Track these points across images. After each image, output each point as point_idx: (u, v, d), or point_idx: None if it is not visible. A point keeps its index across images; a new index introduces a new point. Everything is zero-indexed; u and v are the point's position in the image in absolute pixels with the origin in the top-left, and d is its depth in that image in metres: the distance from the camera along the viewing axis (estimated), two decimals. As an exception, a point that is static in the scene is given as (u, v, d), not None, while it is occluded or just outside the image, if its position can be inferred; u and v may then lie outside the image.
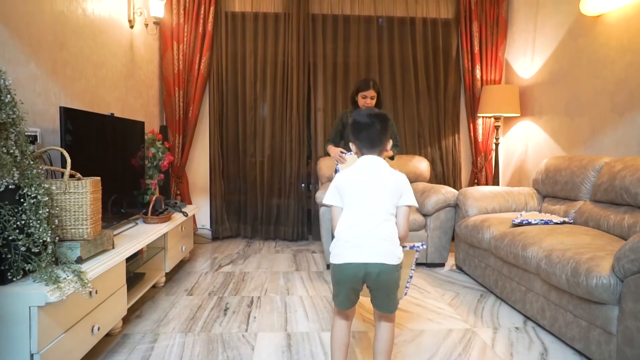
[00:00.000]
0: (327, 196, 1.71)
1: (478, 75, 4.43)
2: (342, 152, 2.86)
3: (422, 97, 4.46)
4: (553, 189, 3.19)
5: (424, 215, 3.53)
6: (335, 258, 1.64)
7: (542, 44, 3.86)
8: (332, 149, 2.98)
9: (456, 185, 4.52)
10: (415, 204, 1.69)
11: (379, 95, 3.06)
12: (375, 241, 1.58)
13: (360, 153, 1.74)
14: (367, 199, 1.62)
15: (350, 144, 1.77)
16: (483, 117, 4.46)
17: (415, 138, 4.51)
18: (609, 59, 3.08)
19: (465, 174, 4.67)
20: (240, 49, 4.35)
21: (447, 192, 3.50)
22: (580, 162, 2.98)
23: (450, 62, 4.51)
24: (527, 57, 4.10)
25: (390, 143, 1.75)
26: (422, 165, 4.19)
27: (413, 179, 4.14)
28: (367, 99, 3.01)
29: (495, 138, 4.30)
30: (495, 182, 4.30)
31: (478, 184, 4.50)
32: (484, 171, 4.52)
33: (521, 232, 2.59)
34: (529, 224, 2.76)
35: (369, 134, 1.69)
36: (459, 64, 4.55)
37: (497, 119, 4.24)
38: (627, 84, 2.92)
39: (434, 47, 4.48)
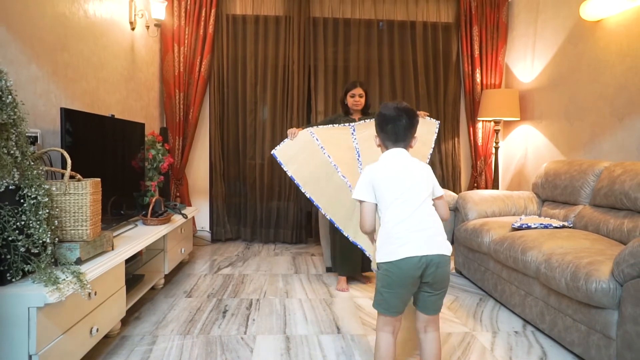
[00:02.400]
0: (359, 191, 1.65)
1: (478, 79, 4.44)
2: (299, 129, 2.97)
3: (422, 101, 4.47)
4: (553, 193, 3.19)
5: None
6: (390, 255, 1.56)
7: (542, 49, 3.88)
8: (294, 128, 3.04)
9: (456, 188, 4.52)
10: (443, 192, 1.72)
11: (367, 96, 3.12)
12: (430, 233, 1.56)
13: (384, 147, 1.70)
14: (409, 192, 1.59)
15: (375, 138, 1.74)
16: (483, 121, 4.46)
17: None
18: (609, 64, 3.09)
19: (464, 178, 4.67)
20: (241, 52, 4.36)
21: (446, 196, 3.50)
22: (579, 167, 2.98)
23: (450, 66, 4.52)
24: (527, 61, 4.12)
25: (415, 140, 1.71)
26: (421, 168, 4.19)
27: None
28: (355, 97, 3.08)
29: (495, 142, 4.30)
30: (495, 186, 4.30)
31: (478, 188, 4.50)
32: (484, 175, 4.53)
33: (521, 236, 2.59)
34: (529, 228, 2.76)
35: (395, 128, 1.64)
36: (459, 68, 4.57)
37: (497, 123, 4.25)
38: (626, 89, 2.93)
39: (434, 51, 4.49)
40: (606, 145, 3.12)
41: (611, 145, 3.08)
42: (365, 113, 3.18)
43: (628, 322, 1.74)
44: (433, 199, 1.65)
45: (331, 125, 3.03)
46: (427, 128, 2.88)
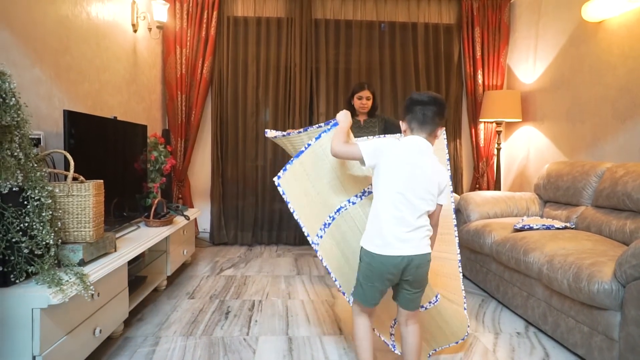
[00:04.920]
0: (365, 145, 1.65)
1: (480, 81, 4.45)
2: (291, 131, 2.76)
3: (423, 102, 4.46)
4: (555, 194, 3.19)
5: (426, 220, 3.53)
6: (376, 248, 1.61)
7: (543, 50, 3.88)
8: (346, 111, 2.84)
9: (458, 190, 4.52)
10: (446, 202, 1.71)
11: (374, 98, 3.08)
12: (419, 234, 1.59)
13: (410, 131, 1.67)
14: (412, 189, 1.58)
15: (400, 122, 1.72)
16: (485, 122, 4.46)
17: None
18: (611, 66, 3.09)
19: (466, 179, 4.67)
20: (243, 54, 4.37)
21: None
22: (582, 168, 2.98)
23: (452, 67, 4.52)
24: (528, 62, 4.12)
25: (441, 130, 1.70)
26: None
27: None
28: (362, 100, 3.03)
29: (497, 143, 4.30)
30: (497, 187, 4.30)
31: (480, 189, 4.50)
32: (486, 176, 4.52)
33: (523, 237, 2.59)
34: (531, 229, 2.76)
35: (423, 110, 1.63)
36: (460, 70, 4.57)
37: (498, 124, 4.25)
38: (628, 91, 2.93)
39: (436, 53, 4.49)
40: (608, 146, 3.12)
41: (613, 147, 3.07)
42: (371, 115, 3.13)
43: (631, 324, 1.73)
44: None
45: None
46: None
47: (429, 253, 1.63)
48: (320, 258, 1.83)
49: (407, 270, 1.60)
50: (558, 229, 2.75)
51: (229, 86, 4.37)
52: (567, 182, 3.05)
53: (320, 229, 1.90)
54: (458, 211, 3.49)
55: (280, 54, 4.38)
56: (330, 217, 1.94)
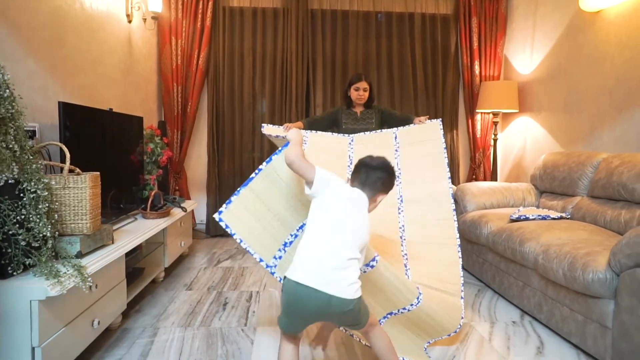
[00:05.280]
0: (321, 170, 1.56)
1: (477, 71, 4.44)
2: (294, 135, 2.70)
3: (420, 93, 4.46)
4: (551, 184, 3.20)
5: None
6: (288, 271, 1.48)
7: (541, 40, 3.87)
8: (297, 129, 2.71)
9: (454, 181, 4.53)
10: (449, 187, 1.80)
11: (371, 89, 3.06)
12: (347, 276, 1.44)
13: (351, 184, 1.66)
14: (343, 229, 1.49)
15: (347, 179, 1.70)
16: (482, 113, 4.46)
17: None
18: (608, 55, 3.08)
19: (463, 170, 4.68)
20: (239, 45, 4.34)
21: (445, 188, 3.51)
22: (578, 158, 2.99)
23: (449, 58, 4.51)
24: (526, 53, 4.11)
25: (383, 197, 1.64)
26: (420, 161, 4.20)
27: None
28: (359, 91, 3.00)
29: (494, 134, 4.30)
30: (494, 178, 4.31)
31: (476, 180, 4.51)
32: (482, 167, 4.53)
33: (519, 227, 2.60)
34: (527, 219, 2.77)
35: (367, 173, 1.61)
36: (457, 60, 4.55)
37: (495, 115, 4.25)
38: (625, 81, 2.93)
39: (433, 43, 4.47)
40: (605, 137, 3.13)
41: (610, 137, 3.08)
42: (368, 107, 3.10)
43: (624, 312, 1.75)
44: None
45: (330, 133, 2.76)
46: (429, 133, 2.63)
47: (354, 300, 1.44)
48: (279, 278, 1.78)
49: (330, 316, 1.49)
50: (554, 219, 2.77)
51: (225, 77, 4.35)
52: (563, 173, 3.06)
53: (280, 250, 1.85)
54: (455, 202, 3.50)
55: (276, 45, 4.36)
56: (292, 235, 1.87)
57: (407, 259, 2.06)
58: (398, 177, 2.48)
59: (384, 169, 1.63)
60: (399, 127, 2.70)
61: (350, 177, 1.68)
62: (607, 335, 1.84)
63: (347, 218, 1.51)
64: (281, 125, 2.74)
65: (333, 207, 1.53)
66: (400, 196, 2.38)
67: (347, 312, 1.44)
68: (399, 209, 2.33)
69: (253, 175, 1.81)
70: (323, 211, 1.54)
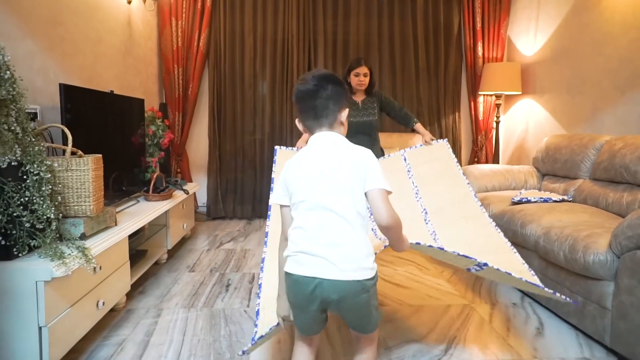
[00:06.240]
0: (274, 193, 1.33)
1: (480, 53, 4.39)
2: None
3: (422, 75, 4.42)
4: (553, 167, 3.20)
5: (424, 193, 3.54)
6: (285, 264, 1.28)
7: (545, 21, 3.81)
8: (303, 139, 2.66)
9: (456, 163, 4.52)
10: (387, 187, 1.22)
11: (371, 74, 2.92)
12: (338, 251, 1.20)
13: (308, 129, 1.32)
14: (316, 192, 1.22)
15: (297, 121, 1.36)
16: (484, 95, 4.43)
17: (415, 116, 4.43)
18: (613, 36, 3.04)
19: (465, 153, 4.67)
20: (239, 26, 4.29)
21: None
22: (580, 141, 2.98)
23: (451, 39, 4.45)
24: (529, 34, 4.05)
25: (345, 112, 1.30)
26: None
27: (413, 157, 4.14)
28: (360, 77, 2.88)
29: (496, 116, 4.28)
30: (496, 160, 4.30)
31: (478, 163, 4.51)
32: (484, 149, 4.52)
33: (520, 209, 2.61)
34: (529, 201, 2.78)
35: (313, 102, 1.26)
36: (460, 41, 4.50)
37: (498, 97, 4.22)
38: (630, 62, 2.90)
39: (435, 24, 4.41)
40: (608, 119, 3.11)
41: (613, 119, 3.06)
42: (369, 93, 2.98)
43: (623, 293, 1.77)
44: (367, 191, 1.22)
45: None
46: (437, 153, 2.59)
47: (360, 281, 1.20)
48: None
49: (328, 304, 1.23)
50: (555, 201, 2.77)
51: (226, 59, 4.31)
52: (566, 155, 3.05)
53: None
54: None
55: (277, 25, 4.30)
56: None
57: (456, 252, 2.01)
58: (417, 193, 2.45)
59: (324, 83, 1.27)
60: (406, 149, 2.70)
61: (299, 119, 1.35)
62: (606, 315, 1.86)
63: (323, 178, 1.22)
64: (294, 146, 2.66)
65: (304, 181, 1.24)
66: (424, 209, 2.35)
67: (350, 294, 1.20)
68: (425, 220, 2.29)
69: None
70: (295, 202, 1.27)
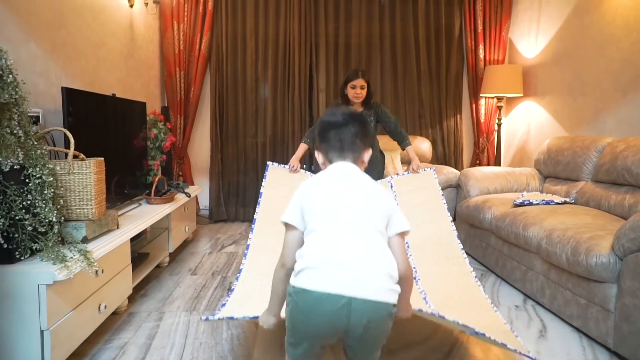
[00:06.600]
0: (287, 212, 1.23)
1: (481, 55, 4.39)
2: (301, 168, 2.74)
3: (423, 77, 4.42)
4: (555, 169, 3.19)
5: (426, 195, 3.53)
6: (295, 279, 1.13)
7: (546, 23, 3.81)
8: (297, 157, 2.78)
9: (458, 166, 4.52)
10: (409, 227, 1.22)
11: (369, 86, 2.85)
12: (370, 268, 1.10)
13: (328, 162, 1.29)
14: (348, 209, 1.15)
15: (316, 153, 1.33)
16: (485, 97, 4.43)
17: (416, 119, 4.49)
18: (614, 38, 3.04)
19: (467, 155, 4.66)
20: (241, 29, 4.30)
21: (448, 173, 3.51)
22: (582, 143, 2.97)
23: (452, 41, 4.45)
24: (531, 36, 4.05)
25: (369, 152, 1.30)
26: (423, 145, 4.19)
27: (415, 159, 4.14)
28: (356, 89, 2.80)
29: (498, 118, 4.28)
30: (497, 162, 4.30)
31: (480, 165, 4.50)
32: (486, 152, 4.52)
33: (522, 212, 2.61)
34: (531, 204, 2.77)
35: (339, 135, 1.26)
36: (461, 44, 4.50)
37: (499, 99, 4.22)
38: (632, 64, 2.90)
39: (436, 26, 4.42)
40: (610, 120, 3.11)
41: (615, 121, 3.06)
42: (367, 105, 2.89)
43: (626, 295, 1.76)
44: (390, 237, 1.19)
45: None
46: (424, 182, 2.67)
47: (391, 304, 1.11)
48: None
49: (353, 327, 1.07)
50: (557, 203, 2.77)
51: (228, 62, 4.32)
52: (568, 157, 3.05)
53: None
54: (458, 187, 3.51)
55: (278, 28, 4.31)
56: None
57: (425, 294, 2.02)
58: None
59: (353, 120, 1.28)
60: (393, 176, 2.79)
61: (319, 150, 1.32)
62: (609, 318, 1.85)
63: (346, 200, 1.18)
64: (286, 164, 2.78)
65: (324, 201, 1.18)
66: (406, 242, 2.38)
67: (380, 316, 1.08)
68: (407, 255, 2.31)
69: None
70: (317, 223, 1.16)
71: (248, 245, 2.18)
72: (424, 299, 1.93)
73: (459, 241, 2.33)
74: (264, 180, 2.56)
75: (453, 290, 2.03)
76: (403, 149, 2.95)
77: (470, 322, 1.57)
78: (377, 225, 1.16)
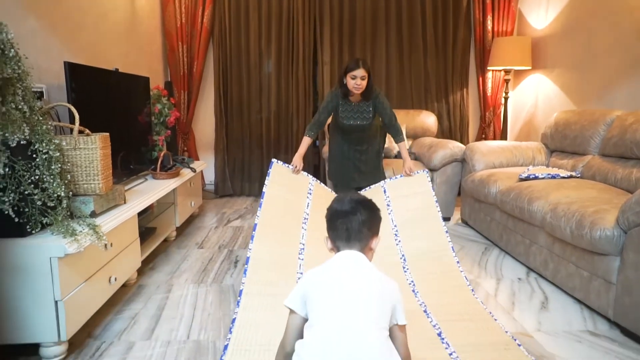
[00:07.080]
0: (290, 296, 1.24)
1: (489, 27, 4.29)
2: (301, 171, 2.74)
3: (430, 50, 4.35)
4: (562, 143, 3.17)
5: (431, 170, 3.53)
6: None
7: (557, -8, 3.71)
8: (300, 154, 2.76)
9: (463, 140, 4.49)
10: (406, 321, 1.22)
11: (369, 77, 2.68)
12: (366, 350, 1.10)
13: (336, 249, 1.30)
14: (349, 309, 1.14)
15: (325, 238, 1.34)
16: (493, 70, 4.36)
17: (422, 92, 4.43)
18: (628, 8, 2.96)
19: (472, 129, 4.63)
20: (244, 1, 4.22)
21: (454, 147, 3.49)
22: (591, 116, 2.94)
23: (460, 12, 4.35)
24: (541, 6, 3.95)
25: (377, 240, 1.30)
26: (429, 119, 4.15)
27: (420, 133, 4.11)
28: (357, 80, 2.64)
29: (505, 92, 4.22)
30: (504, 137, 4.26)
31: (486, 139, 4.47)
32: (492, 126, 4.48)
33: (528, 186, 2.60)
34: (536, 178, 2.77)
35: (346, 224, 1.26)
36: (469, 15, 4.40)
37: (507, 72, 4.15)
38: (644, 34, 2.83)
39: (444, -3, 4.31)
40: (620, 94, 3.06)
41: (625, 95, 3.01)
42: (366, 96, 2.75)
43: (629, 268, 1.78)
44: (391, 328, 1.20)
45: (329, 190, 2.83)
46: (417, 187, 2.68)
47: None
48: None
49: None
50: (563, 178, 2.76)
51: (231, 36, 4.26)
52: (575, 131, 3.02)
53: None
54: (463, 161, 3.49)
55: (282, 1, 4.23)
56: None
57: (425, 306, 2.05)
58: (396, 234, 2.50)
59: (361, 208, 1.28)
60: (386, 180, 2.77)
61: (328, 236, 1.33)
62: (611, 290, 1.87)
63: (349, 307, 1.15)
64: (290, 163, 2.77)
65: (324, 302, 1.17)
66: (403, 255, 2.39)
67: None
68: (404, 267, 2.31)
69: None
70: (317, 314, 1.16)
71: (248, 258, 2.11)
72: (425, 311, 1.97)
73: (454, 253, 2.37)
74: (267, 178, 2.57)
75: (451, 301, 2.07)
76: (396, 144, 2.88)
77: (472, 334, 1.73)
78: (380, 322, 1.15)
